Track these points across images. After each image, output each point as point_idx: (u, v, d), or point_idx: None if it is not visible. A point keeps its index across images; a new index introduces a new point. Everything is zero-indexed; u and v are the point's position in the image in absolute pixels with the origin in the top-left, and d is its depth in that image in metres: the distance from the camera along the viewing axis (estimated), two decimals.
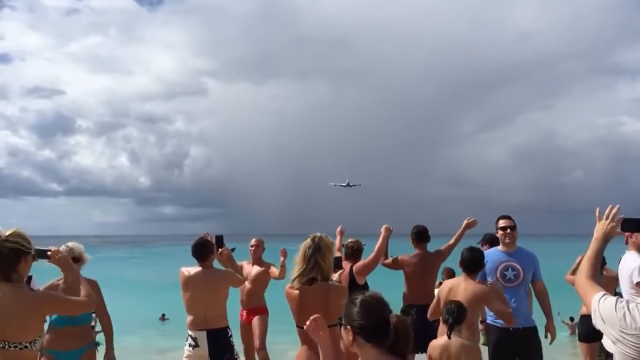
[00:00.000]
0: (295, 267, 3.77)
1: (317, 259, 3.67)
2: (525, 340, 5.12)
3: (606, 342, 4.90)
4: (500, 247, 5.46)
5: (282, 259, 6.77)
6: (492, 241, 7.01)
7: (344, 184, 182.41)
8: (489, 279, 5.30)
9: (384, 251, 6.09)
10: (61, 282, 4.81)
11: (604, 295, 2.61)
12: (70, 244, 5.02)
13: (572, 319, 14.30)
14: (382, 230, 5.87)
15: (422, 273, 6.42)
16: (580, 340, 7.02)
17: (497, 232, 5.47)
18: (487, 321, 5.43)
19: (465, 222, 6.52)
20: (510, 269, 5.28)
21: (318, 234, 3.81)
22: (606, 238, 2.81)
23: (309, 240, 3.76)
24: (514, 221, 5.41)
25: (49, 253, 3.41)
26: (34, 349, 3.08)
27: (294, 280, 3.74)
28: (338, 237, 6.22)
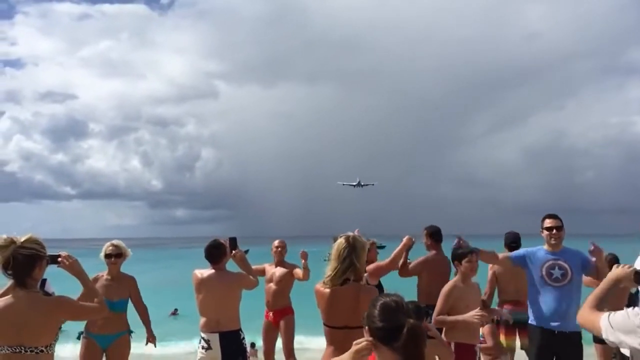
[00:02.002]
0: (328, 267, 3.68)
1: (353, 260, 3.60)
2: (568, 344, 4.91)
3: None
4: (545, 247, 5.19)
5: (303, 261, 6.85)
6: (512, 242, 6.95)
7: (354, 184, 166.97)
8: (535, 278, 5.18)
9: (400, 259, 6.13)
10: (105, 275, 5.40)
11: (609, 313, 2.68)
12: (115, 241, 5.54)
13: None
14: (404, 239, 5.97)
15: (440, 273, 6.43)
16: (595, 341, 6.95)
17: (542, 232, 5.16)
18: (529, 321, 5.28)
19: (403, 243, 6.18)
20: (557, 268, 5.06)
21: (351, 234, 3.73)
22: (618, 283, 2.95)
23: (342, 240, 3.66)
24: (561, 220, 5.12)
25: (59, 259, 3.44)
26: (49, 352, 3.16)
27: (326, 279, 3.65)
28: (403, 243, 6.12)
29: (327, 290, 3.60)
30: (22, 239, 3.17)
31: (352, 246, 3.62)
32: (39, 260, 3.21)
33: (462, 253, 5.16)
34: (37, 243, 3.21)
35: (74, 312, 3.43)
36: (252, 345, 12.69)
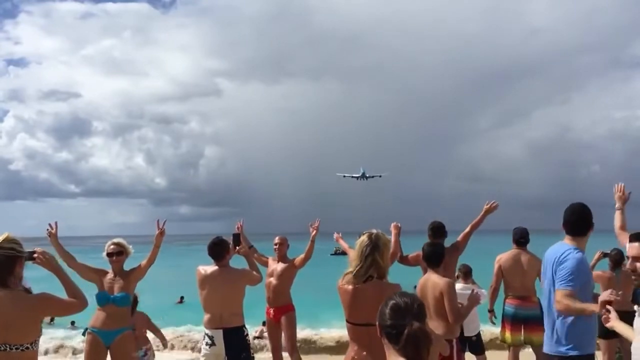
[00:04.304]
0: (351, 264, 3.66)
1: (375, 258, 3.56)
2: None
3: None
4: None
5: (313, 232, 6.76)
6: (520, 238, 6.90)
7: (357, 175, 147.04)
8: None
9: (399, 249, 6.18)
10: (109, 272, 5.34)
11: None
12: (116, 240, 5.50)
13: None
14: (392, 228, 6.00)
15: None
16: (599, 336, 6.94)
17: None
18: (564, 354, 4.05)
19: (485, 206, 6.47)
20: None
21: (374, 231, 3.68)
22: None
23: (365, 237, 3.63)
24: None
25: (35, 255, 3.42)
26: (34, 349, 3.19)
27: (346, 275, 3.64)
28: (394, 232, 6.15)
29: (350, 287, 3.57)
30: (0, 239, 3.20)
31: (375, 244, 3.59)
32: (19, 259, 3.25)
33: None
34: (15, 242, 3.24)
35: (57, 308, 3.45)
36: (264, 323, 12.76)
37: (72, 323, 15.36)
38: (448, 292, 4.80)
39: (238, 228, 6.43)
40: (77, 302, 3.43)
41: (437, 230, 6.46)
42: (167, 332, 15.01)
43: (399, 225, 6.12)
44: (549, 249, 4.21)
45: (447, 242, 6.48)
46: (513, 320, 6.70)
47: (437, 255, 5.13)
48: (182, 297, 22.62)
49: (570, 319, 3.96)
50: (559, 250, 4.02)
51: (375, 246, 3.59)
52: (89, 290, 5.32)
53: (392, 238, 5.86)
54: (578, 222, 4.08)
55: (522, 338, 6.71)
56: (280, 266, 6.97)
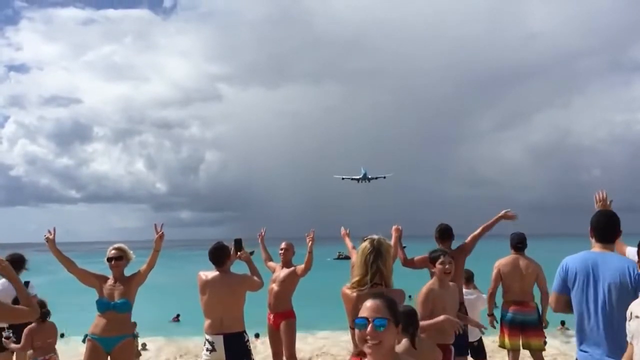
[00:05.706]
0: (355, 270, 3.64)
1: (379, 265, 3.55)
2: None
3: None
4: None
5: (310, 243, 6.63)
6: (518, 243, 6.90)
7: (357, 177, 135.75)
8: None
9: (397, 251, 6.11)
10: (110, 277, 5.30)
11: None
12: (117, 245, 5.43)
13: (562, 323, 14.22)
14: (392, 231, 5.97)
15: None
16: None
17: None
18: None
19: (503, 212, 6.24)
20: None
21: (375, 237, 3.67)
22: None
23: (367, 244, 3.61)
24: None
25: None
26: None
27: (352, 283, 3.61)
28: (395, 235, 6.07)
29: (354, 294, 3.56)
30: None
31: (378, 250, 3.59)
32: None
33: (434, 256, 5.05)
34: None
35: (6, 315, 3.58)
36: (257, 335, 12.69)
37: (62, 335, 15.26)
38: (418, 298, 4.87)
39: (260, 236, 6.44)
40: (28, 311, 3.51)
41: (444, 233, 6.41)
42: (166, 340, 15.04)
43: (400, 228, 6.09)
44: (589, 258, 3.83)
45: (453, 245, 6.43)
46: (511, 325, 6.72)
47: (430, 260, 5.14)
48: (178, 315, 22.18)
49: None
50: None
51: (378, 252, 3.58)
52: (90, 296, 5.35)
53: (392, 241, 5.84)
54: (608, 228, 3.93)
55: (521, 343, 6.72)
56: (283, 272, 6.93)
